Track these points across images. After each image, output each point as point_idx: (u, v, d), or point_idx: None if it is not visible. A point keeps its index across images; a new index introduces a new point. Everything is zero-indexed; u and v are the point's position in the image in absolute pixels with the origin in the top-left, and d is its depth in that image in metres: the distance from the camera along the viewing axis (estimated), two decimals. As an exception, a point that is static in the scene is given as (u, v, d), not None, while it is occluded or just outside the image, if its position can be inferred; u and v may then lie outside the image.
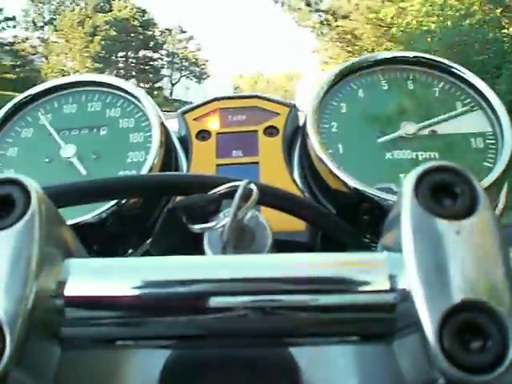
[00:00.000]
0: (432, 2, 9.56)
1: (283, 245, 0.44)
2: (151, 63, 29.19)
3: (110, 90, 0.64)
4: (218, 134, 0.64)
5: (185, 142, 0.64)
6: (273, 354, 0.39)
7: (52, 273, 0.29)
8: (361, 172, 0.54)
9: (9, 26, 24.54)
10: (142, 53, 28.48)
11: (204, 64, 31.16)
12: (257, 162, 0.61)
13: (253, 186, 0.38)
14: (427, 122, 0.58)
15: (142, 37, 27.72)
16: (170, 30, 29.92)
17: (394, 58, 0.64)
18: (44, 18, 27.02)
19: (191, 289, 0.30)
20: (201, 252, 0.41)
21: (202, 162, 0.61)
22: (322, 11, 15.61)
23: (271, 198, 0.43)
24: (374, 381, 0.38)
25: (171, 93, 30.20)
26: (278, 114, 0.65)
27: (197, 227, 0.39)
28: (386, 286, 0.29)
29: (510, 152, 0.54)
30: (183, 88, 30.77)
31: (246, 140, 0.63)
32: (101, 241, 0.52)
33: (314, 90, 0.62)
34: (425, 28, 9.36)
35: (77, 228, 0.43)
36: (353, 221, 0.51)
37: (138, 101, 0.62)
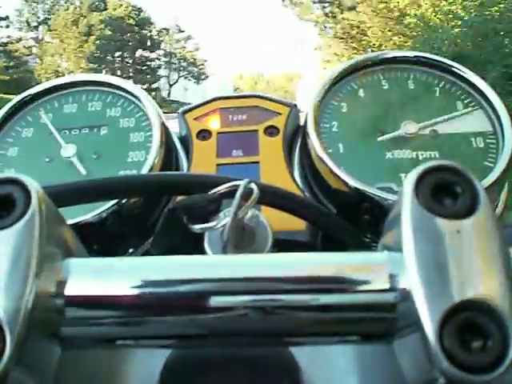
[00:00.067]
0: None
1: (284, 244, 0.44)
2: (148, 63, 28.70)
3: (110, 90, 0.64)
4: (218, 133, 0.64)
5: (185, 141, 0.64)
6: (273, 353, 0.39)
7: (52, 272, 0.29)
8: (361, 171, 0.54)
9: (1, 26, 24.27)
10: (138, 53, 27.99)
11: (202, 64, 30.68)
12: (257, 162, 0.61)
13: (253, 186, 0.38)
14: (428, 122, 0.58)
15: (138, 36, 27.24)
16: (167, 30, 29.44)
17: (394, 58, 0.64)
18: (38, 17, 26.66)
19: (192, 288, 0.30)
20: (201, 251, 0.41)
21: (202, 161, 0.61)
22: (327, 2, 14.61)
23: (271, 197, 0.43)
24: (375, 380, 0.38)
25: (169, 94, 29.67)
26: (279, 113, 0.65)
27: (197, 227, 0.39)
28: (387, 285, 0.29)
29: (511, 152, 0.54)
30: (181, 89, 30.26)
31: (246, 140, 0.63)
32: (101, 240, 0.52)
33: (314, 89, 0.62)
34: (443, 16, 8.61)
35: (77, 227, 0.43)
36: (353, 220, 0.51)
37: (139, 100, 0.62)
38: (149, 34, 28.46)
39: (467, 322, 0.25)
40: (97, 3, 26.24)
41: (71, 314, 0.29)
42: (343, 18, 13.99)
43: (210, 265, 0.32)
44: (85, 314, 0.30)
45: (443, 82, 0.62)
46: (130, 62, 27.80)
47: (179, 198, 0.49)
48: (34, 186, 0.30)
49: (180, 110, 0.67)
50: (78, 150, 0.59)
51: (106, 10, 25.84)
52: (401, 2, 11.17)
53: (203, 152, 0.62)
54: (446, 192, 0.30)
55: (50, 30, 25.53)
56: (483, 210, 0.28)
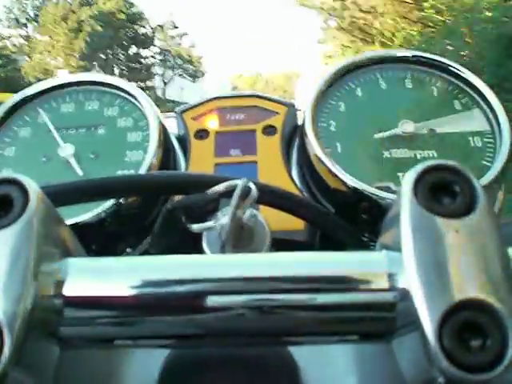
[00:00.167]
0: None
1: (282, 244, 0.44)
2: (141, 61, 27.74)
3: (107, 89, 0.64)
4: (216, 133, 0.64)
5: (183, 141, 0.64)
6: (272, 353, 0.39)
7: (50, 272, 0.29)
8: (359, 171, 0.54)
9: (-11, 24, 23.49)
10: (130, 50, 26.99)
11: (199, 62, 29.88)
12: (255, 161, 0.61)
13: (251, 185, 0.38)
14: (425, 121, 0.58)
15: (130, 32, 26.23)
16: (161, 26, 28.44)
17: (392, 57, 0.64)
18: (28, 14, 25.66)
19: (190, 288, 0.30)
20: (199, 251, 0.41)
21: (200, 161, 0.61)
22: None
23: (270, 196, 0.43)
24: (374, 380, 0.38)
25: (164, 93, 28.62)
26: (277, 113, 0.65)
27: (195, 226, 0.39)
28: (386, 284, 0.29)
29: (508, 150, 0.54)
30: (177, 88, 29.00)
31: (244, 139, 0.63)
32: (99, 240, 0.52)
33: (312, 88, 0.62)
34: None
35: (75, 227, 0.43)
36: (352, 220, 0.51)
37: (136, 100, 0.62)
38: (144, 31, 27.54)
39: (466, 321, 0.25)
40: (89, -1, 25.24)
41: (70, 314, 0.29)
42: (353, 2, 12.24)
43: (209, 264, 0.31)
44: (83, 313, 0.30)
45: (441, 82, 0.62)
46: (122, 59, 26.82)
47: (177, 197, 0.49)
48: (32, 186, 0.30)
49: (178, 110, 0.67)
50: (75, 150, 0.58)
51: (95, 4, 24.54)
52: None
53: (201, 151, 0.62)
54: (444, 191, 0.30)
55: (39, 27, 24.63)
56: (482, 209, 0.28)
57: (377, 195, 0.52)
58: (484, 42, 6.20)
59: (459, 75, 0.62)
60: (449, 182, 0.30)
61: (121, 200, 0.53)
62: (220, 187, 0.39)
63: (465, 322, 0.25)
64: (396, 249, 0.29)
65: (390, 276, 0.29)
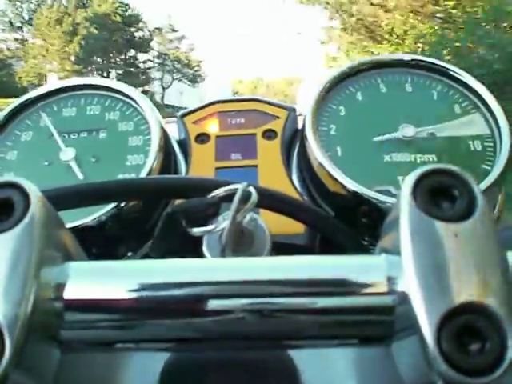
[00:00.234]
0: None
1: (282, 248, 0.44)
2: (138, 64, 27.03)
3: (108, 94, 0.64)
4: (216, 137, 0.64)
5: (184, 145, 0.65)
6: (271, 356, 0.39)
7: (51, 276, 0.29)
8: (359, 175, 0.54)
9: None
10: (128, 53, 26.33)
11: (198, 65, 29.25)
12: (255, 165, 0.61)
13: (251, 189, 0.38)
14: (425, 125, 0.58)
15: (127, 35, 25.39)
16: (159, 29, 27.84)
17: (392, 61, 0.64)
18: (23, 18, 25.11)
19: (190, 292, 0.30)
20: (200, 255, 0.41)
21: (201, 165, 0.61)
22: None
23: (270, 200, 0.43)
24: (373, 383, 0.38)
25: (163, 98, 28.02)
26: (277, 117, 0.65)
27: (196, 230, 0.39)
28: (385, 288, 0.29)
29: (508, 154, 0.54)
30: (176, 92, 28.40)
31: (244, 143, 0.63)
32: (100, 244, 0.52)
33: (312, 92, 0.62)
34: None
35: (76, 231, 0.43)
36: (351, 223, 0.51)
37: (137, 104, 0.62)
38: (141, 34, 26.85)
39: (465, 324, 0.26)
40: (84, 1, 24.35)
41: (70, 318, 0.29)
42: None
43: (209, 268, 0.32)
44: (84, 317, 0.30)
45: (441, 86, 0.62)
46: (119, 63, 26.13)
47: (178, 201, 0.49)
48: (33, 190, 0.30)
49: (179, 114, 0.67)
50: (76, 154, 0.59)
51: (90, 6, 23.83)
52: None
53: (202, 155, 0.62)
54: (443, 195, 0.30)
55: (33, 30, 24.01)
56: (481, 213, 0.29)
57: (376, 199, 0.52)
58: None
59: (459, 79, 0.62)
60: (448, 186, 0.30)
61: (121, 204, 0.53)
62: (220, 191, 0.39)
63: (463, 326, 0.25)
64: (395, 252, 0.29)
65: (390, 280, 0.29)
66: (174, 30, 28.66)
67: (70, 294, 0.29)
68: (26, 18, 25.04)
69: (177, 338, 0.33)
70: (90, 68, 24.10)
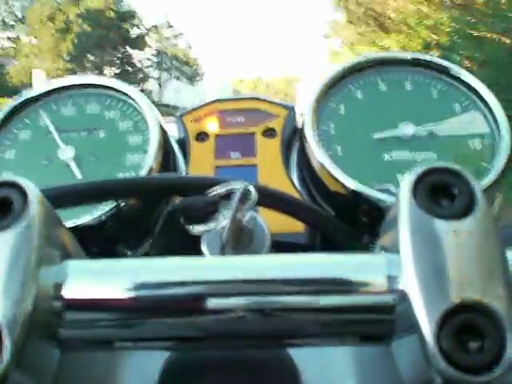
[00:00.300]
0: None
1: (281, 246, 0.44)
2: (134, 62, 26.07)
3: (108, 92, 0.64)
4: (216, 135, 0.64)
5: (183, 143, 0.65)
6: (272, 355, 0.39)
7: (50, 275, 0.29)
8: (359, 173, 0.54)
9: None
10: (123, 51, 25.34)
11: (196, 63, 28.50)
12: (255, 164, 0.61)
13: (251, 188, 0.38)
14: (425, 123, 0.58)
15: (122, 32, 24.34)
16: (156, 27, 26.88)
17: (391, 59, 0.64)
18: (16, 16, 24.16)
19: (190, 290, 0.30)
20: (199, 253, 0.41)
21: (200, 163, 0.61)
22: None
23: (269, 199, 0.43)
24: (373, 381, 0.38)
25: (160, 96, 26.92)
26: (277, 116, 0.65)
27: (196, 229, 0.39)
28: (385, 287, 0.29)
29: (508, 153, 0.54)
30: (174, 91, 27.35)
31: (244, 142, 0.63)
32: (100, 242, 0.52)
33: (312, 91, 0.62)
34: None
35: (76, 230, 0.43)
36: (351, 222, 0.51)
37: (137, 103, 0.62)
38: (137, 31, 25.85)
39: (465, 323, 0.26)
40: (78, -2, 23.20)
41: (70, 317, 0.29)
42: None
43: (209, 266, 0.32)
44: (83, 316, 0.30)
45: (441, 84, 0.62)
46: (114, 60, 25.09)
47: (178, 199, 0.49)
48: (32, 189, 0.30)
49: (178, 113, 0.67)
50: (76, 153, 0.59)
51: (82, 1, 22.72)
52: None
53: (201, 154, 0.62)
54: (443, 193, 0.30)
55: (25, 28, 23.11)
56: (480, 211, 0.29)
57: (376, 198, 0.52)
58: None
59: (458, 77, 0.62)
60: (447, 184, 0.30)
61: (121, 202, 0.53)
62: (220, 190, 0.39)
63: (463, 324, 0.25)
64: (395, 251, 0.29)
65: (389, 278, 0.29)
66: (171, 27, 27.96)
67: (69, 292, 0.29)
68: (20, 16, 24.22)
69: (177, 337, 0.33)
70: (83, 66, 23.31)
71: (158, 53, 27.83)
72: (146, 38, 26.81)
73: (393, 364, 0.30)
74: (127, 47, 25.94)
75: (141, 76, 26.30)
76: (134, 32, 26.11)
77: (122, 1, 24.91)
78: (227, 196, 0.39)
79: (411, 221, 0.29)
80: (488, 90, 0.60)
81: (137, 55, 26.73)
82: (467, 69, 0.64)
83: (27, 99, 0.64)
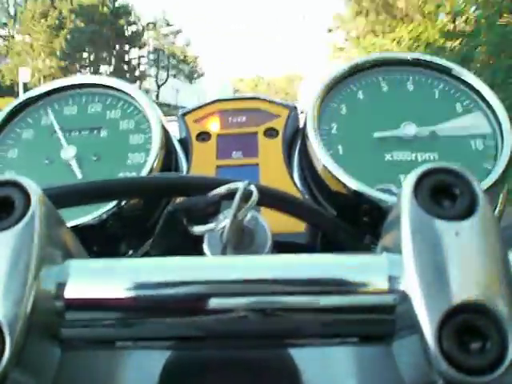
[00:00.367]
0: None
1: (283, 246, 0.44)
2: (130, 60, 25.27)
3: (109, 92, 0.64)
4: (218, 135, 0.64)
5: (185, 143, 0.65)
6: (272, 355, 0.39)
7: (52, 274, 0.29)
8: (361, 173, 0.54)
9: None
10: (119, 48, 24.52)
11: (195, 62, 27.65)
12: (257, 164, 0.61)
13: (252, 188, 0.38)
14: (427, 124, 0.58)
15: (117, 28, 23.48)
16: (154, 24, 26.18)
17: (393, 59, 0.64)
18: (8, 13, 23.38)
19: (191, 290, 0.30)
20: (200, 253, 0.41)
21: (202, 163, 0.61)
22: None
23: (271, 199, 0.43)
24: (373, 382, 0.38)
25: (157, 96, 26.10)
26: (278, 115, 0.65)
27: (197, 229, 0.39)
28: (386, 287, 0.29)
29: (510, 153, 0.54)
30: (172, 90, 26.66)
31: (245, 141, 0.63)
32: (101, 242, 0.52)
33: (314, 91, 0.62)
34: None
35: (77, 230, 0.43)
36: (353, 222, 0.51)
37: (138, 102, 0.62)
38: (134, 28, 25.06)
39: (466, 324, 0.26)
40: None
41: (71, 316, 0.29)
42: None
43: (210, 266, 0.32)
44: (85, 315, 0.30)
45: (442, 84, 0.62)
46: (111, 58, 24.26)
47: (179, 199, 0.49)
48: (34, 188, 0.30)
49: (180, 112, 0.67)
50: (77, 152, 0.59)
51: None
52: None
53: (203, 154, 0.62)
54: (444, 194, 0.30)
55: (18, 25, 22.32)
56: (482, 212, 0.29)
57: (378, 198, 0.52)
58: None
59: (460, 77, 0.62)
60: (449, 185, 0.30)
61: (122, 202, 0.53)
62: (221, 189, 0.39)
63: (464, 325, 0.25)
64: (396, 251, 0.29)
65: (390, 278, 0.29)
66: (168, 25, 27.23)
67: (70, 292, 0.29)
68: (12, 13, 23.45)
69: (178, 337, 0.33)
70: (77, 64, 22.57)
71: (156, 50, 27.22)
72: (143, 36, 26.06)
73: (393, 364, 0.30)
74: (124, 45, 25.24)
75: (137, 74, 25.50)
76: (131, 29, 25.36)
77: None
78: (228, 196, 0.39)
79: (412, 221, 0.29)
80: (490, 90, 0.60)
81: (134, 53, 26.13)
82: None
83: (29, 98, 0.64)
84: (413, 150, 0.57)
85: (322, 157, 0.56)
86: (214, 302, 0.29)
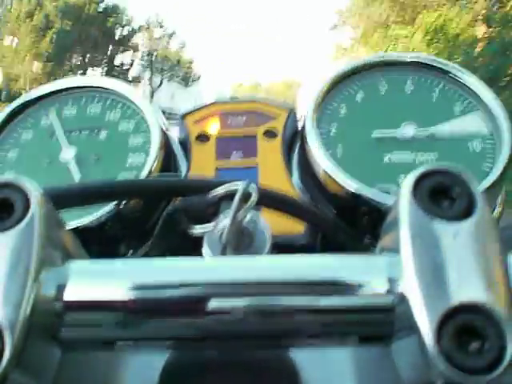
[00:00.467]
0: None
1: (282, 247, 0.44)
2: (122, 63, 24.23)
3: (109, 93, 0.64)
4: (217, 137, 0.64)
5: (184, 144, 0.65)
6: (272, 356, 0.39)
7: (51, 275, 0.29)
8: (359, 174, 0.54)
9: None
10: (110, 51, 23.48)
11: (189, 65, 26.93)
12: (256, 165, 0.61)
13: (252, 188, 0.38)
14: (425, 124, 0.58)
15: (108, 30, 22.45)
16: (147, 26, 25.24)
17: (392, 61, 0.64)
18: None
19: (191, 291, 0.30)
20: (200, 254, 0.41)
21: (201, 164, 0.61)
22: None
23: (270, 200, 0.43)
24: (373, 383, 0.38)
25: (151, 99, 24.52)
26: (277, 117, 0.65)
27: (196, 229, 0.39)
28: (385, 288, 0.29)
29: (508, 154, 0.54)
30: (167, 94, 25.53)
31: (245, 143, 0.63)
32: (101, 244, 0.52)
33: (312, 92, 0.62)
34: None
35: (77, 231, 0.43)
36: (352, 223, 0.51)
37: (137, 104, 0.62)
38: (127, 30, 23.93)
39: (465, 324, 0.26)
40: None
41: (71, 317, 0.29)
42: None
43: (209, 267, 0.32)
44: (84, 316, 0.30)
45: (441, 85, 0.62)
46: (101, 61, 23.23)
47: (178, 200, 0.49)
48: (33, 189, 0.30)
49: (179, 114, 0.68)
50: (77, 153, 0.59)
51: None
52: None
53: (202, 155, 0.62)
54: (443, 195, 0.30)
55: (3, 27, 20.77)
56: (480, 213, 0.29)
57: (377, 199, 0.52)
58: None
59: (459, 78, 0.62)
60: (448, 186, 0.30)
61: (122, 203, 0.53)
62: (221, 190, 0.40)
63: (463, 325, 0.25)
64: (395, 252, 0.29)
65: (389, 279, 0.29)
66: (162, 27, 26.22)
67: (70, 293, 0.29)
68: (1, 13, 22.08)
69: (177, 338, 0.33)
70: (64, 67, 21.30)
71: (149, 53, 26.44)
72: (135, 38, 25.24)
73: (393, 365, 0.30)
74: (115, 47, 24.27)
75: (130, 79, 24.27)
76: (123, 31, 24.47)
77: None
78: (228, 196, 0.39)
79: (411, 222, 0.29)
80: (489, 91, 0.60)
81: (126, 56, 25.30)
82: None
83: (29, 100, 0.64)
84: (412, 151, 0.57)
85: (320, 158, 0.56)
86: (214, 303, 0.29)
